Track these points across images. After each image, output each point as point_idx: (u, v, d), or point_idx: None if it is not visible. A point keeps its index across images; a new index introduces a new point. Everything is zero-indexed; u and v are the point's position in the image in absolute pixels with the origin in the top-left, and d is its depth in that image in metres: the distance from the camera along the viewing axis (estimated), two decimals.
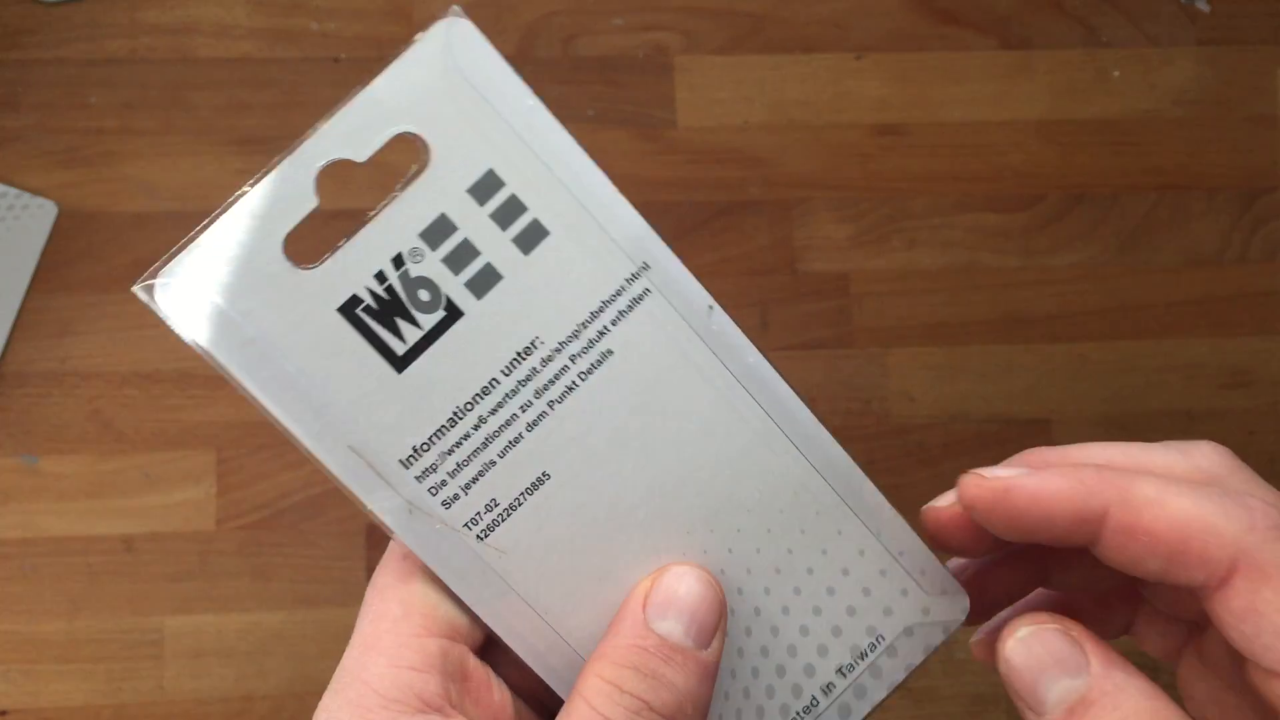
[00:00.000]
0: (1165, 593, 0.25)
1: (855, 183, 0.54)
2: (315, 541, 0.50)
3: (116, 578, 0.49)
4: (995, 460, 0.25)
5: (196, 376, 0.50)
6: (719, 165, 0.51)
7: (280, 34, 0.53)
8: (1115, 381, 0.54)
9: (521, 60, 0.53)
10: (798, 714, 0.24)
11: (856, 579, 0.25)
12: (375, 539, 0.50)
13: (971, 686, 0.51)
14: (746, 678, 0.24)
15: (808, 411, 0.25)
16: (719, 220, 0.52)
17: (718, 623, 0.23)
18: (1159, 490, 0.22)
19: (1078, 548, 0.23)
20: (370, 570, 0.50)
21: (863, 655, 0.25)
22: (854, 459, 0.25)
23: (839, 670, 0.25)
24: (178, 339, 0.21)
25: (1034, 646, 0.23)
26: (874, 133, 0.54)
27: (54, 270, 0.51)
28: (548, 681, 0.23)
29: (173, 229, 0.51)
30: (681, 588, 0.23)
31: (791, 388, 0.24)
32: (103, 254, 0.51)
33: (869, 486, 0.24)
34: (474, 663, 0.23)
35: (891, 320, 0.53)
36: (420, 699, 0.22)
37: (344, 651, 0.23)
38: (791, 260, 0.53)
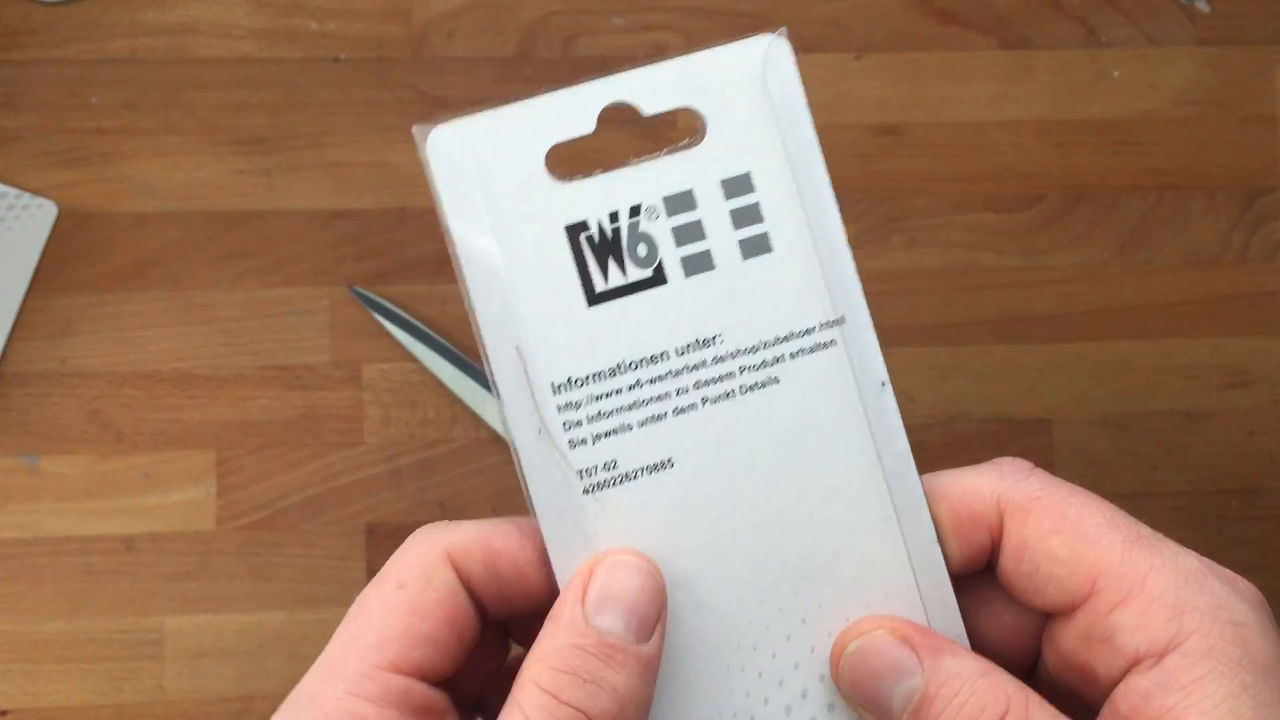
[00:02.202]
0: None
1: (855, 183, 0.54)
2: (315, 541, 0.50)
3: (116, 577, 0.49)
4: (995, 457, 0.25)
5: (197, 376, 0.50)
6: None
7: (281, 34, 0.53)
8: (1115, 381, 0.54)
9: (521, 60, 0.53)
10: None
11: None
12: (375, 539, 0.50)
13: None
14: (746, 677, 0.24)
15: (932, 531, 0.24)
16: None
17: (658, 614, 0.23)
18: (944, 479, 0.24)
19: None
20: (372, 571, 0.50)
21: None
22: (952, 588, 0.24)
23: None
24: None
25: (866, 658, 0.23)
26: (874, 133, 0.54)
27: (54, 270, 0.51)
28: None
29: (173, 229, 0.51)
30: (619, 579, 0.23)
31: (923, 493, 0.24)
32: (103, 254, 0.51)
33: (959, 626, 0.24)
34: (442, 706, 0.23)
35: (891, 320, 0.53)
36: None
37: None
38: None
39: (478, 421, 0.50)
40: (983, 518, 0.24)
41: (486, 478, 0.51)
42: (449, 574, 0.23)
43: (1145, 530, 0.23)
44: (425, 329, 0.51)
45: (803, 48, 0.55)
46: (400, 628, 0.23)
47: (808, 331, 0.24)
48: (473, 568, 0.23)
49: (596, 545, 0.23)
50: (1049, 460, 0.53)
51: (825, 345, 0.24)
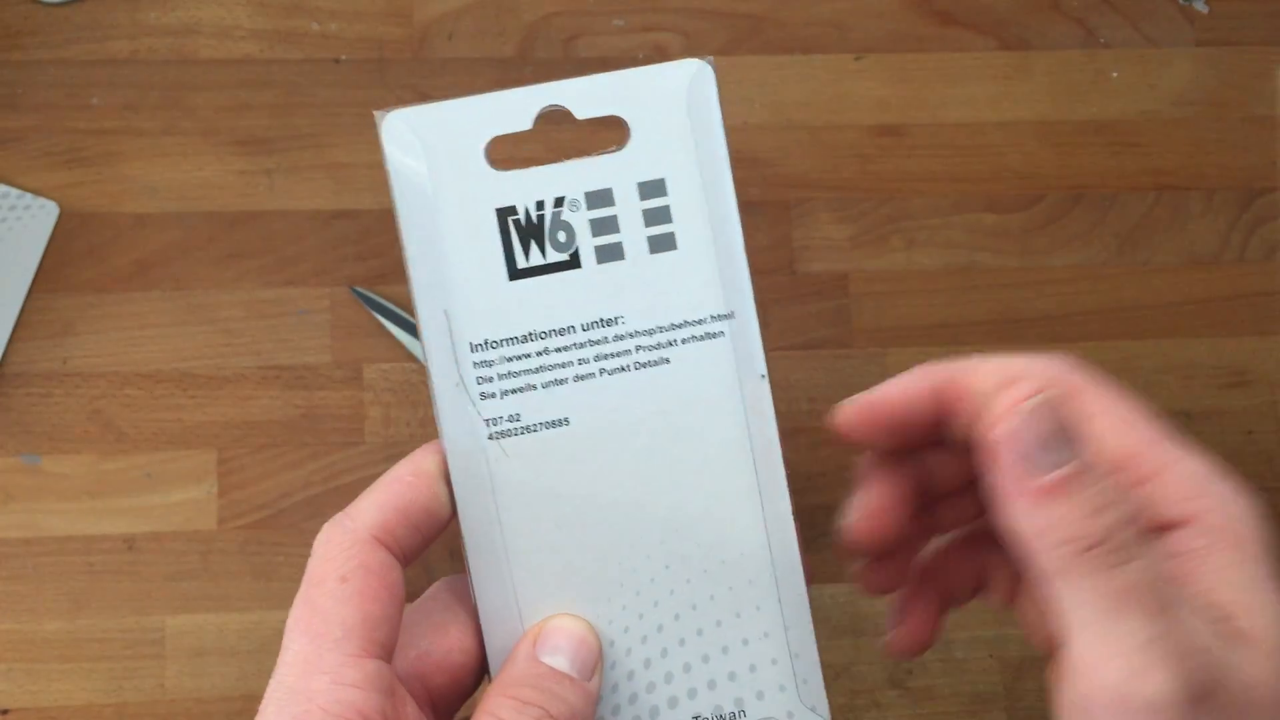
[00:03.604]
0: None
1: (854, 183, 0.54)
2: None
3: (118, 577, 0.49)
4: None
5: (198, 376, 0.51)
6: None
7: (281, 35, 0.53)
8: (1114, 381, 0.54)
9: (522, 61, 0.53)
10: None
11: (750, 653, 0.28)
12: None
13: (970, 686, 0.51)
14: (625, 685, 0.27)
15: (788, 504, 0.28)
16: None
17: (596, 662, 0.27)
18: (976, 362, 0.27)
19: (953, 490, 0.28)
20: None
21: (721, 717, 0.27)
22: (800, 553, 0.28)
23: (695, 717, 0.27)
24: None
25: (1046, 415, 0.24)
26: (873, 133, 0.54)
27: (55, 270, 0.51)
28: (477, 599, 0.27)
29: (174, 229, 0.52)
30: (565, 630, 0.27)
31: (788, 481, 0.28)
32: (104, 254, 0.51)
33: (801, 588, 0.28)
34: (397, 683, 0.26)
35: (891, 321, 0.53)
36: (362, 715, 0.24)
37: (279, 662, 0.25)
38: (790, 261, 0.53)
39: None
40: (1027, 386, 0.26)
41: None
42: (383, 555, 0.26)
43: (1175, 433, 0.26)
44: (413, 319, 0.51)
45: (802, 48, 0.55)
46: (358, 617, 0.25)
47: (699, 322, 0.27)
48: (399, 536, 0.26)
49: (496, 486, 0.27)
50: None
51: (714, 335, 0.27)
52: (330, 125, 0.53)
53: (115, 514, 0.49)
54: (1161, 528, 0.25)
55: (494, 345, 0.27)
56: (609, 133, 0.27)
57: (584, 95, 0.27)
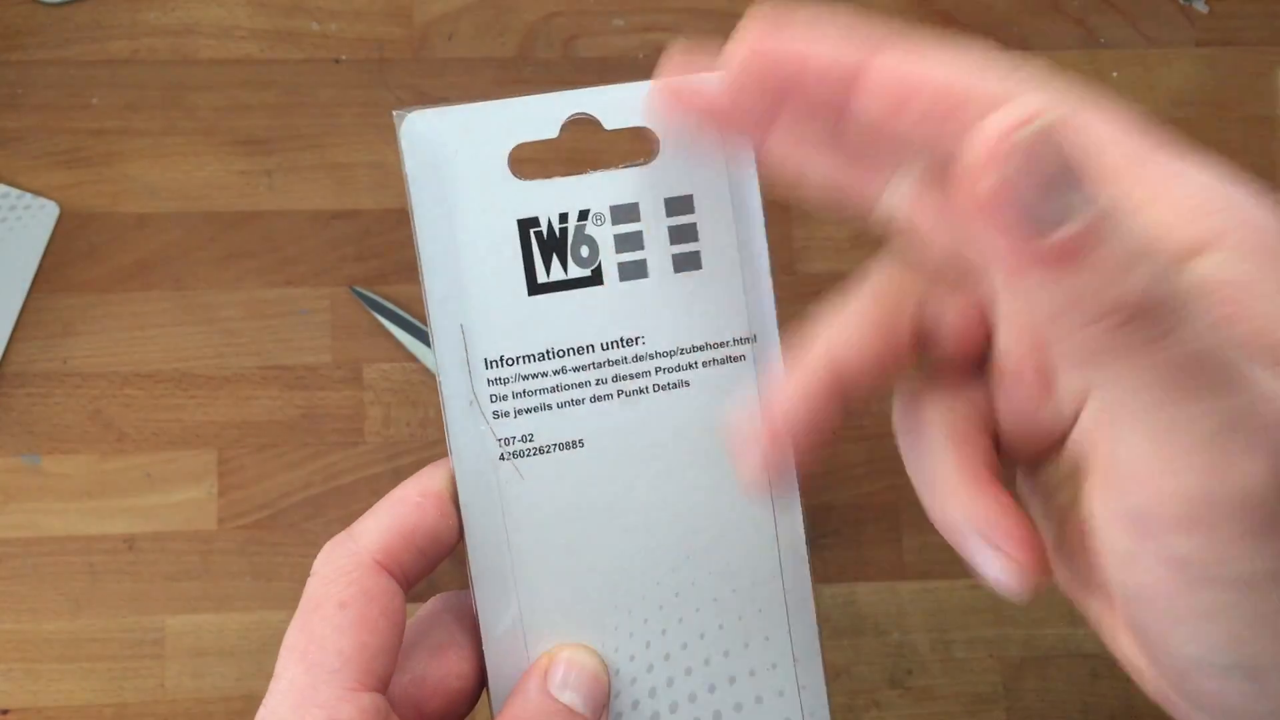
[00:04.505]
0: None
1: None
2: (316, 541, 0.50)
3: (118, 577, 0.49)
4: None
5: (198, 376, 0.51)
6: None
7: (281, 35, 0.53)
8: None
9: (522, 61, 0.53)
10: None
11: (757, 685, 0.27)
12: None
13: (970, 686, 0.51)
14: (630, 714, 0.27)
15: (803, 534, 0.27)
16: None
17: (606, 700, 0.26)
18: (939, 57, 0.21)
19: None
20: None
21: None
22: (805, 529, 0.27)
23: None
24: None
25: (1052, 145, 0.17)
26: None
27: (55, 270, 0.51)
28: (481, 621, 0.26)
29: (175, 229, 0.52)
30: (577, 665, 0.26)
31: (802, 503, 0.27)
32: (104, 254, 0.51)
33: (812, 620, 0.27)
34: (391, 714, 0.25)
35: None
36: None
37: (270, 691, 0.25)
38: (791, 260, 0.53)
39: None
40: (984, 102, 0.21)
41: None
42: (386, 582, 0.25)
43: (1173, 144, 0.21)
44: (426, 329, 0.51)
45: None
46: (355, 647, 0.24)
47: (722, 344, 0.26)
48: (403, 561, 0.25)
49: (507, 511, 0.26)
50: None
51: (736, 359, 0.26)
52: (330, 125, 0.53)
53: (115, 514, 0.49)
54: (1178, 258, 0.19)
55: (509, 363, 0.26)
56: (637, 144, 0.26)
57: (614, 104, 0.26)
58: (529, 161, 0.26)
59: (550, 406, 0.26)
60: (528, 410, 0.26)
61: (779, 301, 0.27)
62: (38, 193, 0.51)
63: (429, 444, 0.51)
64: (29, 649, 0.48)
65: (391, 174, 0.53)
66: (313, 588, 0.25)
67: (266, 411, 0.51)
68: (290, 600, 0.51)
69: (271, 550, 0.50)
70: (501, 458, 0.26)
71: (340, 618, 0.24)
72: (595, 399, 0.26)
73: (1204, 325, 0.17)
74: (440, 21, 0.54)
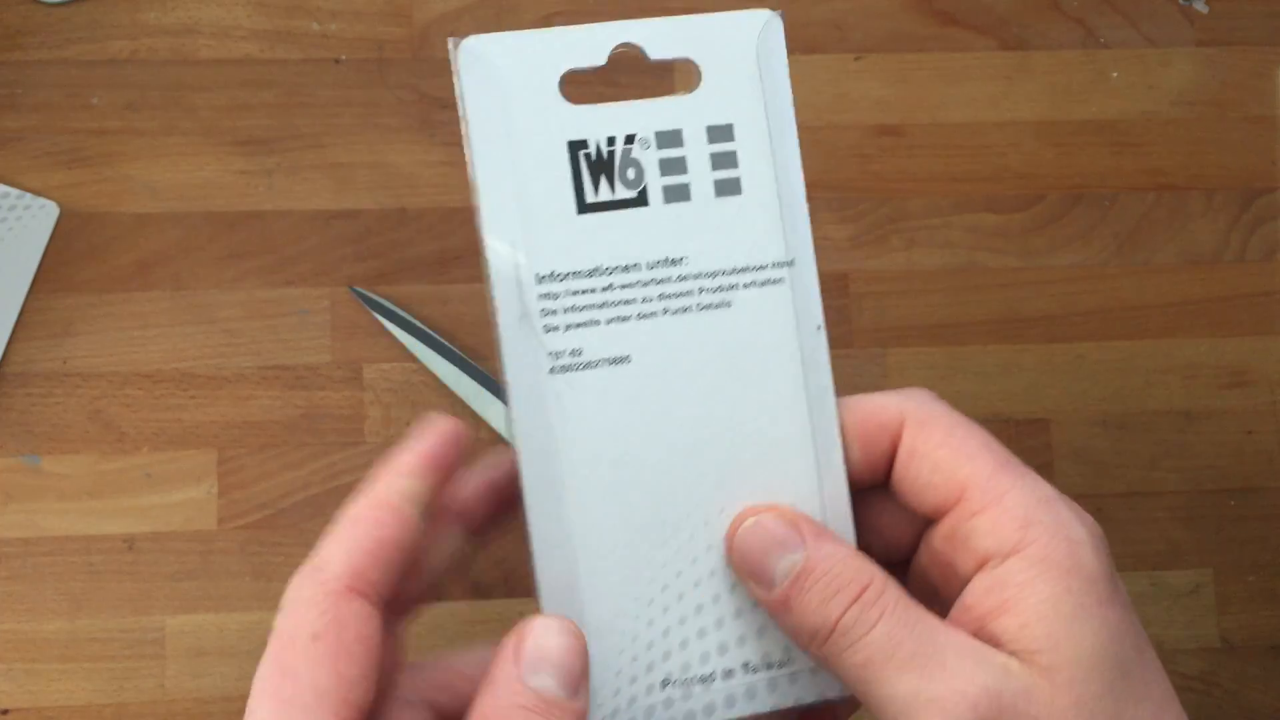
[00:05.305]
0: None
1: (854, 183, 0.54)
2: (317, 541, 0.50)
3: (118, 577, 0.49)
4: None
5: (198, 376, 0.51)
6: None
7: (281, 35, 0.53)
8: (1114, 381, 0.54)
9: None
10: (695, 679, 0.27)
11: None
12: None
13: None
14: (660, 642, 0.27)
15: (841, 454, 0.28)
16: None
17: (584, 669, 0.25)
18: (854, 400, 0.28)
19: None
20: None
21: (769, 665, 0.27)
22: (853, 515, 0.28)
23: (745, 664, 0.27)
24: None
25: (758, 532, 0.26)
26: (873, 133, 0.54)
27: (56, 271, 0.51)
28: (531, 533, 0.26)
29: (175, 229, 0.52)
30: (550, 642, 0.25)
31: (839, 425, 0.28)
32: (105, 254, 0.51)
33: (851, 539, 0.28)
34: None
35: (891, 320, 0.53)
36: None
37: None
38: None
39: (478, 421, 0.51)
40: (887, 429, 0.27)
41: None
42: (358, 606, 0.25)
43: (1015, 460, 0.27)
44: (426, 329, 0.51)
45: (802, 49, 0.55)
46: (332, 680, 0.24)
47: (761, 268, 0.27)
48: (374, 580, 0.25)
49: (554, 421, 0.26)
50: (1048, 459, 0.53)
51: (774, 282, 0.27)
52: (330, 125, 0.53)
53: (115, 514, 0.49)
54: (994, 558, 0.25)
55: (559, 278, 0.26)
56: (679, 74, 0.27)
57: (658, 35, 0.27)
58: (578, 85, 0.27)
59: (598, 322, 0.26)
60: (577, 325, 0.26)
61: None
62: (38, 193, 0.51)
63: None
64: (29, 649, 0.48)
65: (391, 174, 0.53)
66: (282, 622, 0.25)
67: (266, 411, 0.51)
68: None
69: (271, 550, 0.50)
70: (552, 371, 0.26)
71: (314, 650, 0.24)
72: (641, 316, 0.26)
73: (901, 625, 0.24)
74: (440, 21, 0.54)
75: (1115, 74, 0.56)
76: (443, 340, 0.51)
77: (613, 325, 0.26)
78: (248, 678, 0.49)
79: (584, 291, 0.26)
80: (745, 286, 0.27)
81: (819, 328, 0.27)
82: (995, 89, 0.55)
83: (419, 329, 0.51)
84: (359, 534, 0.26)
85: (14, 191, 0.51)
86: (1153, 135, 0.56)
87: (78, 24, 0.52)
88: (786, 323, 0.27)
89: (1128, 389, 0.54)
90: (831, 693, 0.28)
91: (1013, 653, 0.24)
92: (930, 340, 0.53)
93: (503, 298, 0.26)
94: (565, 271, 0.26)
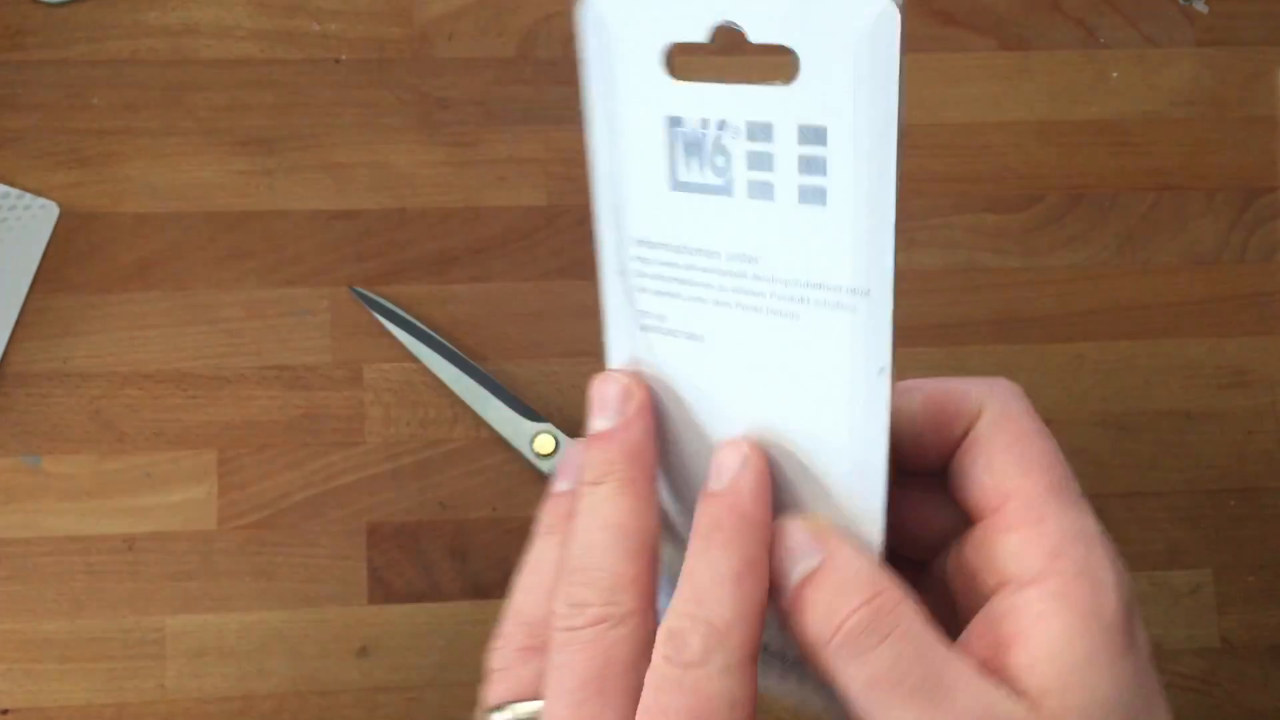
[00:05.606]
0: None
1: None
2: (317, 541, 0.50)
3: (118, 577, 0.49)
4: None
5: (198, 377, 0.51)
6: None
7: (281, 35, 0.53)
8: (1114, 381, 0.54)
9: (522, 61, 0.53)
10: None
11: None
12: (376, 538, 0.50)
13: None
14: None
15: (883, 497, 0.26)
16: None
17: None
18: (922, 384, 0.27)
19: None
20: (373, 570, 0.50)
21: (784, 658, 0.27)
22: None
23: (765, 647, 0.27)
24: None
25: (778, 538, 0.26)
26: None
27: (56, 271, 0.51)
28: None
29: (175, 229, 0.52)
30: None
31: (888, 461, 0.26)
32: (105, 254, 0.51)
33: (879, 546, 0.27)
34: None
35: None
36: None
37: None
38: None
39: (478, 421, 0.51)
40: (963, 417, 0.27)
41: (487, 478, 0.51)
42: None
43: (1072, 486, 0.26)
44: (426, 329, 0.51)
45: None
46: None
47: (835, 289, 0.25)
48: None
49: (648, 371, 0.27)
50: None
51: (845, 307, 0.25)
52: (330, 125, 0.53)
53: (115, 514, 0.49)
54: (1014, 583, 0.25)
55: (652, 246, 0.26)
56: (780, 59, 0.25)
57: (761, 16, 0.25)
58: (682, 60, 0.26)
59: (679, 296, 0.27)
60: (662, 294, 0.27)
61: None
62: (38, 193, 0.51)
63: (429, 444, 0.51)
64: (29, 649, 0.48)
65: (391, 174, 0.53)
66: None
67: (266, 411, 0.51)
68: (291, 600, 0.51)
69: (271, 550, 0.50)
70: (642, 328, 0.27)
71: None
72: (717, 303, 0.26)
73: (914, 640, 0.24)
74: (440, 21, 0.54)
75: (1115, 74, 0.56)
76: (443, 340, 0.51)
77: (690, 304, 0.26)
78: (248, 677, 0.50)
79: (670, 264, 0.26)
80: (814, 303, 0.25)
81: (882, 370, 0.25)
82: (995, 89, 0.55)
83: (419, 329, 0.51)
84: (753, 594, 0.25)
85: (14, 191, 0.51)
86: (1153, 135, 0.56)
87: (78, 24, 0.52)
88: (848, 354, 0.25)
89: (1128, 389, 0.54)
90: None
91: (1021, 691, 0.23)
92: (930, 340, 0.53)
93: (606, 251, 0.27)
94: (657, 241, 0.26)
